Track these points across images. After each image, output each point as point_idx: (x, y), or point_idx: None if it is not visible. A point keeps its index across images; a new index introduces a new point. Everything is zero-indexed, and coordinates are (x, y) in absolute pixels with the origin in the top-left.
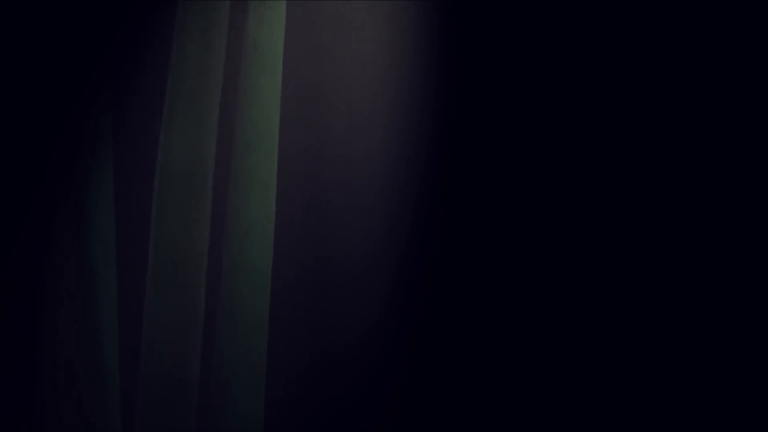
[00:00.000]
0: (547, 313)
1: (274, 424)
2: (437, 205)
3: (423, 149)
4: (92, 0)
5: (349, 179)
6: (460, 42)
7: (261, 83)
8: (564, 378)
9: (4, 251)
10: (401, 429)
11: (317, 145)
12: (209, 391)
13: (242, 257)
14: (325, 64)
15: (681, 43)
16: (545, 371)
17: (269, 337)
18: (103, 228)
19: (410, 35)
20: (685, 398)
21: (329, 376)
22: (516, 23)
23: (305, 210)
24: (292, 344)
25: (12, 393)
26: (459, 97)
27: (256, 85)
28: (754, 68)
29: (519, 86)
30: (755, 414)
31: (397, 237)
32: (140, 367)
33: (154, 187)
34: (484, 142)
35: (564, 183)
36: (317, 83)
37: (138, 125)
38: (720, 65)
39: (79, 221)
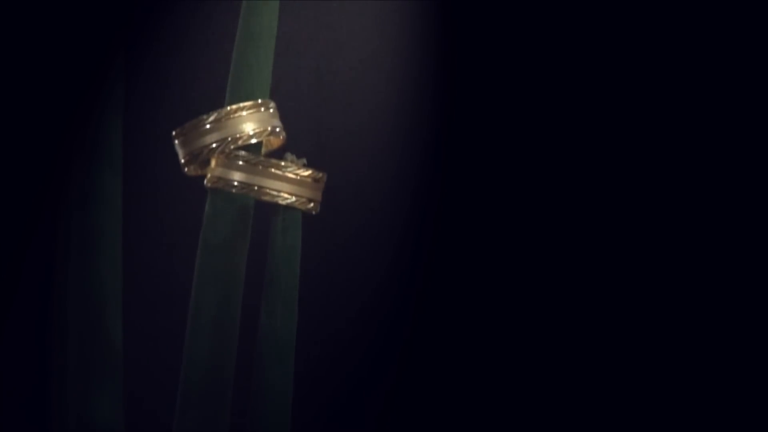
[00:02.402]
0: (545, 311)
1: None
2: (438, 203)
3: (424, 148)
4: None
5: (351, 178)
6: (460, 41)
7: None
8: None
9: (5, 248)
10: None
11: (319, 144)
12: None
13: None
14: (325, 62)
15: (681, 44)
16: (544, 370)
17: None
18: (109, 219)
19: (410, 35)
20: (684, 399)
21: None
22: (518, 23)
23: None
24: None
25: (14, 394)
26: (460, 97)
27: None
28: (754, 68)
29: (521, 86)
30: (755, 414)
31: (401, 234)
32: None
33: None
34: (485, 141)
35: (564, 183)
36: (317, 82)
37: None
38: (720, 65)
39: (83, 212)
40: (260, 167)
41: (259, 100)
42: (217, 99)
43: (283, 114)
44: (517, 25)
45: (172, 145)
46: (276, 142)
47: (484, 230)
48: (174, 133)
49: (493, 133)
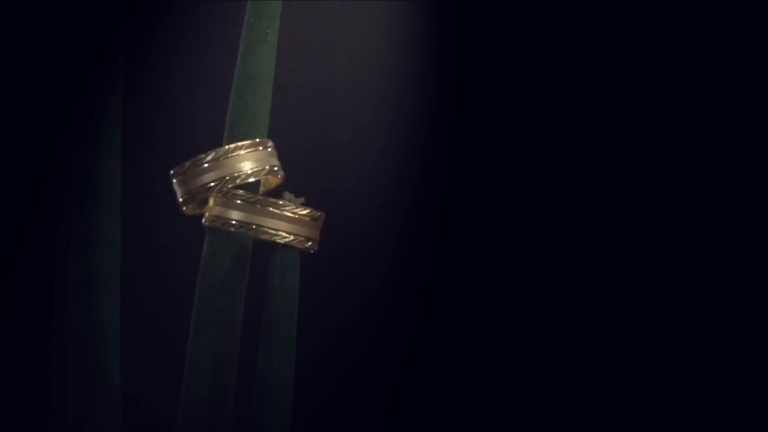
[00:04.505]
0: (545, 312)
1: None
2: (437, 205)
3: (423, 150)
4: None
5: (349, 179)
6: (460, 41)
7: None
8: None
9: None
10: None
11: (317, 146)
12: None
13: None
14: (323, 63)
15: (681, 43)
16: (544, 370)
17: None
18: (107, 226)
19: (410, 35)
20: (684, 399)
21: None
22: (518, 23)
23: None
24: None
25: (15, 395)
26: (460, 98)
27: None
28: (754, 68)
29: (522, 86)
30: (755, 414)
31: (398, 236)
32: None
33: None
34: (486, 141)
35: (565, 184)
36: (315, 83)
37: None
38: (720, 65)
39: (81, 216)
40: (258, 206)
41: (257, 139)
42: (215, 138)
43: (283, 116)
44: (518, 25)
45: (170, 184)
46: (274, 181)
47: (484, 233)
48: (172, 172)
49: (493, 134)
